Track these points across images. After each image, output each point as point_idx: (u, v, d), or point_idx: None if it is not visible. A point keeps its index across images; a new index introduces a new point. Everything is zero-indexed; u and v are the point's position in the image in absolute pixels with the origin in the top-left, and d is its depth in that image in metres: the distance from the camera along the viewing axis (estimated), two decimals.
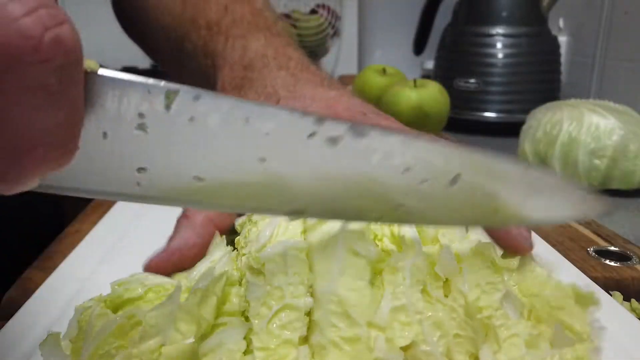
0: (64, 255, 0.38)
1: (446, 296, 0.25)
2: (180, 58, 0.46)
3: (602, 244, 0.44)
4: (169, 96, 0.19)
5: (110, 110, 0.19)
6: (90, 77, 0.17)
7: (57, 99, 0.16)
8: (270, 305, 0.23)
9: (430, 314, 0.24)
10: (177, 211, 0.31)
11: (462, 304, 0.24)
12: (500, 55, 0.94)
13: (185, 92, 0.19)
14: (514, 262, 0.25)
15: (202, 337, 0.23)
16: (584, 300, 0.26)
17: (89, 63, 0.18)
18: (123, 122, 0.19)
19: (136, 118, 0.19)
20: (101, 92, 0.18)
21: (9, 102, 0.15)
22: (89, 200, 0.52)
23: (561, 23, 1.13)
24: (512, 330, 0.24)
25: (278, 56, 0.40)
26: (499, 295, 0.25)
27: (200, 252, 0.29)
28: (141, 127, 0.19)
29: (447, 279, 0.25)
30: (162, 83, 0.19)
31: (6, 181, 0.16)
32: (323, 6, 1.33)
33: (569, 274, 0.36)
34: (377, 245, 0.26)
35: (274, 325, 0.23)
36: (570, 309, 0.26)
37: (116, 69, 0.19)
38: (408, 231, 0.27)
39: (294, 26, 1.26)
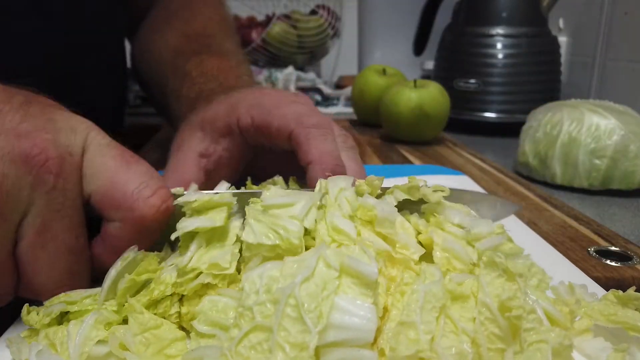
0: None
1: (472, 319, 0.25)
2: (163, 97, 0.58)
3: (603, 244, 0.44)
4: None
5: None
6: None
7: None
8: (240, 326, 0.23)
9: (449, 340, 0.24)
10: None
11: (489, 317, 0.24)
12: (500, 56, 0.94)
13: None
14: (525, 262, 0.25)
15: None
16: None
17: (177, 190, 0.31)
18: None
19: None
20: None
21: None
22: None
23: (561, 23, 1.13)
24: (542, 337, 0.24)
25: (222, 89, 0.50)
26: (532, 298, 0.25)
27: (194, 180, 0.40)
28: None
29: (469, 296, 0.25)
30: None
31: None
32: (323, 7, 1.33)
33: (570, 274, 0.36)
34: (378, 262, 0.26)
35: (243, 346, 0.23)
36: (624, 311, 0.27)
37: None
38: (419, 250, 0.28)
39: (294, 27, 1.26)
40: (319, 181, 0.32)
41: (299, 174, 0.37)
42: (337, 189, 0.30)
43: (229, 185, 0.36)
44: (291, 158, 0.39)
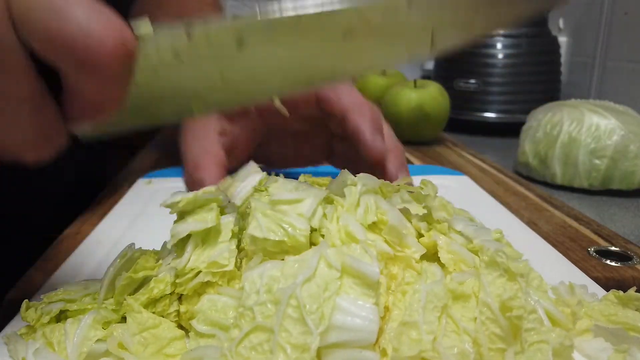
0: (64, 257, 0.38)
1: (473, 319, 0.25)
2: None
3: (603, 244, 0.44)
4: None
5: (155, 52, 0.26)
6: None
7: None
8: (241, 326, 0.23)
9: (450, 339, 0.24)
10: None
11: (490, 316, 0.24)
12: (500, 56, 0.94)
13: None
14: (525, 266, 0.25)
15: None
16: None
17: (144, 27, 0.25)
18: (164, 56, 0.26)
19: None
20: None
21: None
22: (88, 203, 0.52)
23: (561, 23, 1.13)
24: (542, 337, 0.24)
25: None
26: (533, 298, 0.25)
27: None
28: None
29: (470, 295, 0.25)
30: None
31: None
32: None
33: (570, 274, 0.36)
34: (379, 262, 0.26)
35: (243, 347, 0.23)
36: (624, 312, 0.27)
37: None
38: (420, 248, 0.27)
39: None
40: (341, 172, 0.32)
41: (307, 156, 0.38)
42: (364, 188, 0.30)
43: (257, 165, 0.35)
44: (302, 140, 0.41)
